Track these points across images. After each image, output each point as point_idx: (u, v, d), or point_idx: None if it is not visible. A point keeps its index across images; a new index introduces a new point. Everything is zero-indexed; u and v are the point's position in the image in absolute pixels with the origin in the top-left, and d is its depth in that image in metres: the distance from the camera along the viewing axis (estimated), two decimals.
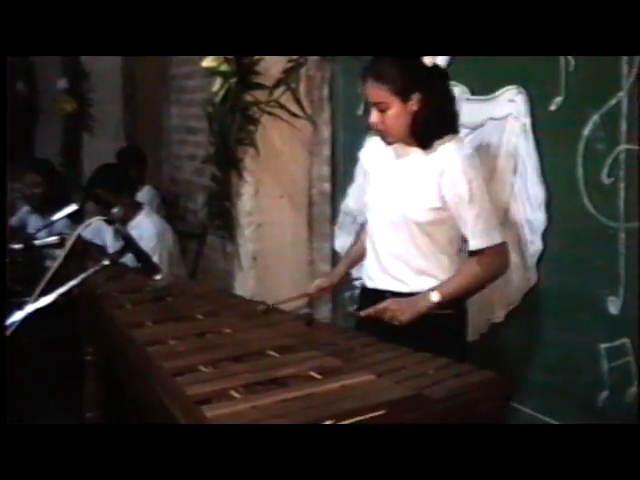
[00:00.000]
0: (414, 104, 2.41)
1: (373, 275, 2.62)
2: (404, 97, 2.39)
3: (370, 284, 2.64)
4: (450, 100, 2.51)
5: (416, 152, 2.49)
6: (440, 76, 2.49)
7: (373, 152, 2.66)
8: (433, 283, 2.47)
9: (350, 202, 2.84)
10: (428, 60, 2.40)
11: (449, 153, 2.43)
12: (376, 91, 2.41)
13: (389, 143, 2.53)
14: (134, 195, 4.13)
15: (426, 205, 2.44)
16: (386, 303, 2.45)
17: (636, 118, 2.22)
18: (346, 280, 2.93)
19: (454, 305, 2.52)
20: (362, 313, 2.52)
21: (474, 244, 2.44)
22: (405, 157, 2.52)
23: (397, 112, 2.41)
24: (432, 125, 2.44)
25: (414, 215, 2.46)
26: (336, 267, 3.01)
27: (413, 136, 2.46)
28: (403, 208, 2.48)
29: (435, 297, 2.41)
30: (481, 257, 2.45)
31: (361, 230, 2.88)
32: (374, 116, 2.45)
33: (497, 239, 2.46)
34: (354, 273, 2.97)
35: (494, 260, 2.47)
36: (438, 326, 2.44)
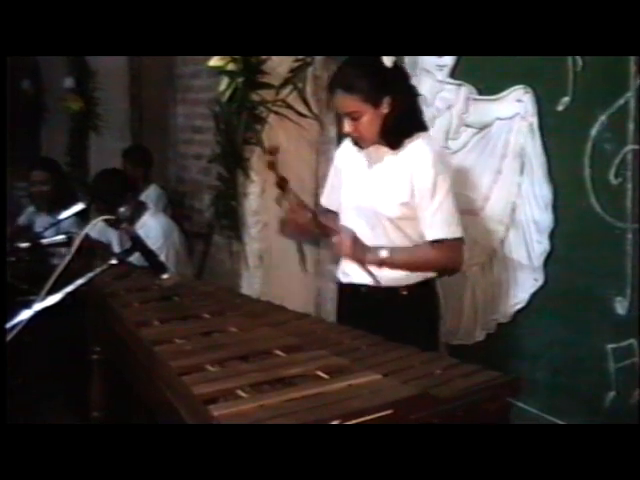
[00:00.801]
0: (385, 108, 2.46)
1: (348, 270, 2.66)
2: (375, 103, 2.44)
3: (345, 279, 2.70)
4: (416, 98, 2.57)
5: (388, 155, 2.53)
6: (403, 76, 2.55)
7: (346, 153, 2.71)
8: (406, 277, 2.55)
9: (323, 200, 2.85)
10: (388, 61, 2.43)
11: (419, 148, 2.48)
12: (348, 102, 2.46)
13: (363, 147, 2.58)
14: (137, 196, 4.11)
15: (397, 200, 2.49)
16: (344, 234, 2.55)
17: None
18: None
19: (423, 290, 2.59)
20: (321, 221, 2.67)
21: (432, 234, 2.48)
22: (378, 163, 2.57)
23: (370, 118, 2.46)
24: (402, 125, 2.49)
25: (386, 210, 2.51)
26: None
27: (384, 137, 2.51)
28: (376, 205, 2.53)
29: (383, 253, 2.50)
30: (437, 247, 2.49)
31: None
32: (348, 125, 2.50)
33: (456, 233, 2.49)
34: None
35: (448, 253, 2.52)
36: (410, 308, 2.54)
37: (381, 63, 2.43)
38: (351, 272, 2.64)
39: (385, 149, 2.54)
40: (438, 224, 2.47)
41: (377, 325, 2.35)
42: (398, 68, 2.52)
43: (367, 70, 2.44)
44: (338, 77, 2.50)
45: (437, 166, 2.45)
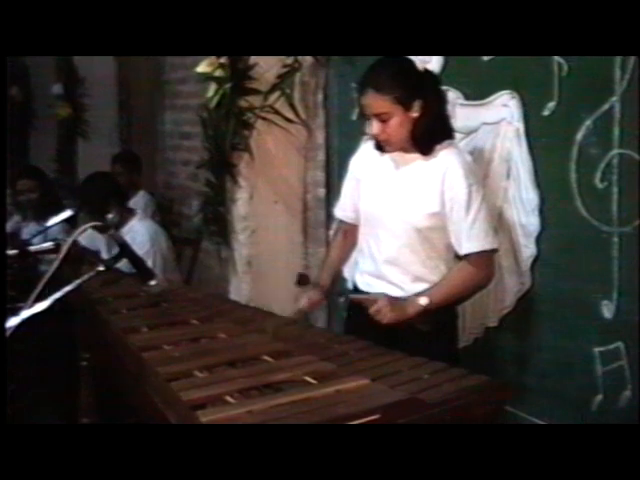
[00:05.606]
0: (416, 111, 2.38)
1: (369, 280, 2.60)
2: (407, 105, 2.37)
3: (366, 289, 2.62)
4: (445, 103, 2.52)
5: (417, 159, 2.46)
6: (434, 80, 2.49)
7: (365, 160, 2.63)
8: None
9: (338, 212, 2.80)
10: (419, 64, 2.39)
11: (450, 158, 2.41)
12: (378, 102, 2.36)
13: (387, 152, 2.51)
14: (124, 202, 4.09)
15: (426, 210, 2.42)
16: (379, 301, 2.41)
17: (629, 123, 2.23)
18: (334, 286, 2.87)
19: (445, 315, 2.52)
20: (353, 296, 2.59)
21: (468, 247, 2.41)
22: (406, 166, 2.49)
23: (400, 121, 2.38)
24: (433, 130, 2.42)
25: (414, 221, 2.44)
26: (320, 275, 2.88)
27: (415, 142, 2.43)
28: (403, 214, 2.46)
29: (423, 301, 2.40)
30: (470, 263, 2.42)
31: (335, 236, 2.86)
32: (376, 127, 2.41)
33: (493, 244, 2.44)
34: (346, 275, 2.94)
35: (482, 268, 2.44)
36: (430, 335, 2.44)
37: (414, 65, 2.38)
38: (372, 282, 2.58)
39: (413, 155, 2.46)
40: (475, 237, 2.39)
41: (393, 338, 2.33)
42: (429, 72, 2.47)
43: (400, 71, 2.37)
44: (369, 76, 2.40)
45: (470, 177, 2.39)
